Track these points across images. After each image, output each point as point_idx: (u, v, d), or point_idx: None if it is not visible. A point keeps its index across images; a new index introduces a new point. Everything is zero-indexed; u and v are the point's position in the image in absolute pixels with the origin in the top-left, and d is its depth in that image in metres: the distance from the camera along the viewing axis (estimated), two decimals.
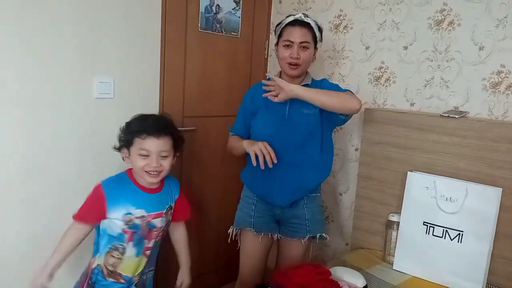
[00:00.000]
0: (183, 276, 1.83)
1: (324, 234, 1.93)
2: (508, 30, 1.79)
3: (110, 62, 1.93)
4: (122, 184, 1.58)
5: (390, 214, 1.97)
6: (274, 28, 1.93)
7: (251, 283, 1.94)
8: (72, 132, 1.83)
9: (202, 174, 2.45)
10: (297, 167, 1.83)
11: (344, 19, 2.31)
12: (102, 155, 1.89)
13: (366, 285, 1.62)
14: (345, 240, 2.39)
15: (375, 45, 2.20)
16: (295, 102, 1.81)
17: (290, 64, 1.80)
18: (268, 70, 2.68)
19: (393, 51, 2.14)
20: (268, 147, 1.74)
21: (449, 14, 1.94)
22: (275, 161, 1.74)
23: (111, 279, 1.56)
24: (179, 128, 2.22)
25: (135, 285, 1.64)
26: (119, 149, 1.60)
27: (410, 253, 1.84)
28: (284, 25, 1.83)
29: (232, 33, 2.43)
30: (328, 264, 1.83)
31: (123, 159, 1.63)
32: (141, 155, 1.51)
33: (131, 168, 1.61)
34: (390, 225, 1.96)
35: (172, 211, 1.69)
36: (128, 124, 1.58)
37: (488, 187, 1.70)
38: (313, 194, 1.93)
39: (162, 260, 2.00)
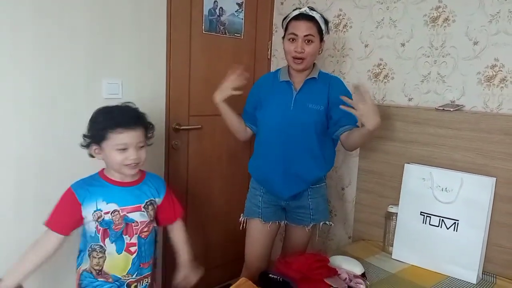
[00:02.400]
0: (185, 272, 1.67)
1: (327, 222, 2.00)
2: (501, 25, 1.85)
3: (118, 64, 2.03)
4: (93, 183, 1.51)
5: (389, 206, 2.03)
6: (281, 22, 1.98)
7: (257, 268, 2.01)
8: (83, 131, 1.92)
9: (208, 171, 2.53)
10: (299, 159, 1.90)
11: (344, 18, 2.38)
12: None
13: (364, 272, 1.69)
14: (348, 233, 2.45)
15: (373, 43, 2.27)
16: (301, 95, 1.88)
17: (295, 58, 1.85)
18: (271, 70, 2.75)
19: (391, 48, 2.20)
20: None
21: (444, 11, 2.00)
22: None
23: (101, 279, 1.50)
24: (185, 127, 2.35)
25: (130, 286, 1.55)
26: (87, 145, 1.51)
27: (408, 242, 1.89)
28: (289, 19, 1.89)
29: (235, 34, 2.51)
30: (328, 254, 1.89)
31: (91, 156, 1.54)
32: (119, 149, 1.44)
33: (102, 169, 1.56)
34: (389, 217, 2.02)
35: (156, 208, 1.60)
36: (95, 119, 1.49)
37: (482, 177, 1.76)
38: (317, 185, 1.99)
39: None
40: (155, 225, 1.62)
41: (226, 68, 2.49)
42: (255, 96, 2.03)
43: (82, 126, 1.74)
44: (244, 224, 2.09)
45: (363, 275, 1.67)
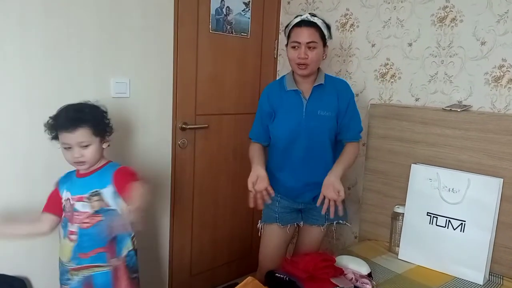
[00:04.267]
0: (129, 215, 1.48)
1: (341, 221, 1.98)
2: (508, 25, 1.84)
3: (126, 63, 2.04)
4: (69, 174, 1.65)
5: (396, 206, 2.03)
6: (283, 29, 1.97)
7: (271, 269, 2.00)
8: None
9: (214, 170, 2.54)
10: (315, 166, 1.89)
11: (351, 18, 2.38)
12: (120, 150, 2.01)
13: (370, 272, 1.69)
14: (354, 233, 2.45)
15: (380, 43, 2.27)
16: (311, 103, 1.87)
17: (298, 64, 1.84)
18: (278, 69, 2.76)
19: (398, 48, 2.20)
20: (264, 191, 1.79)
21: (452, 11, 1.99)
22: (268, 201, 1.82)
23: (61, 266, 1.64)
24: (192, 126, 2.36)
25: (71, 273, 1.60)
26: (52, 139, 1.59)
27: (414, 242, 1.90)
28: (291, 26, 1.87)
29: (242, 33, 2.52)
30: (335, 254, 1.89)
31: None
32: (65, 148, 1.54)
33: None
34: (396, 217, 2.02)
35: (105, 200, 1.58)
36: (48, 121, 1.58)
37: (489, 178, 1.75)
38: None
39: None
40: (101, 219, 1.55)
41: (233, 67, 2.52)
42: (263, 112, 1.98)
43: None
44: (262, 230, 2.07)
45: (369, 275, 1.67)
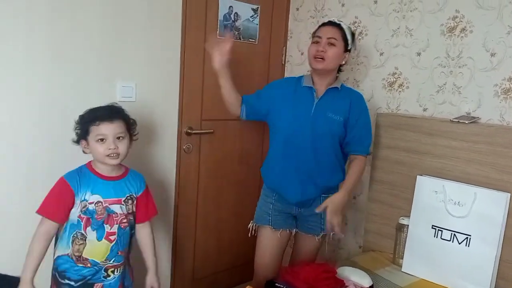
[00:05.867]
0: (151, 280, 1.76)
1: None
2: None
3: (132, 67, 2.05)
4: (82, 174, 1.62)
5: (401, 218, 2.00)
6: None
7: (265, 276, 1.98)
8: None
9: (219, 174, 2.53)
10: (312, 165, 1.90)
11: (359, 26, 2.36)
12: None
13: (372, 285, 1.67)
14: (358, 243, 2.42)
15: (389, 51, 2.25)
16: (322, 102, 1.89)
17: (315, 57, 1.87)
18: (285, 76, 2.75)
19: (406, 57, 2.17)
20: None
21: (461, 21, 1.97)
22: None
23: (80, 265, 1.61)
24: (197, 131, 2.36)
25: (107, 271, 1.65)
26: (77, 141, 1.64)
27: (419, 255, 1.87)
28: (317, 27, 1.96)
29: (250, 39, 2.51)
30: (337, 264, 1.87)
31: (83, 152, 1.66)
32: (99, 140, 1.57)
33: (90, 162, 1.67)
34: (401, 228, 1.99)
35: (134, 203, 1.70)
36: (81, 117, 1.63)
37: (496, 192, 1.72)
38: (330, 194, 1.97)
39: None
40: (132, 218, 1.70)
41: (240, 73, 2.51)
42: (271, 92, 2.03)
43: None
44: (253, 231, 2.08)
45: None
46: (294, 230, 2.04)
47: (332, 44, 1.86)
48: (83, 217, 1.58)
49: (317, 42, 1.88)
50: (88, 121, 1.60)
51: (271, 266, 2.05)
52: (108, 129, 1.58)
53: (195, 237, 2.48)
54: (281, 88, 2.02)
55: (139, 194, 1.72)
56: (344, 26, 1.91)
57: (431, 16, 2.07)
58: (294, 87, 1.98)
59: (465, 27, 1.96)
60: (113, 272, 1.65)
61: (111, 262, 1.64)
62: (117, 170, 1.68)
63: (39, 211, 1.58)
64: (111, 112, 1.61)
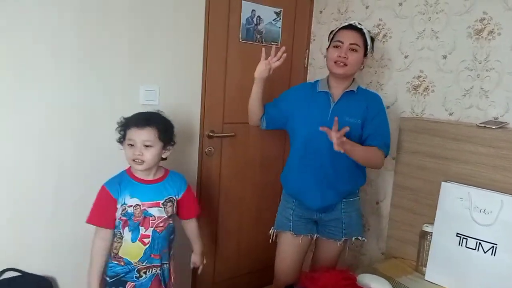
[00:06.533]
0: (195, 258, 1.94)
1: (360, 237, 1.97)
2: None
3: (156, 71, 2.08)
4: (121, 179, 1.68)
5: (424, 225, 1.96)
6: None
7: (286, 282, 1.99)
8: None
9: (240, 178, 2.54)
10: (330, 171, 1.88)
11: (383, 28, 2.33)
12: None
13: None
14: (381, 249, 2.38)
15: (413, 54, 2.20)
16: (339, 106, 1.87)
17: (336, 62, 1.85)
18: (308, 79, 2.73)
19: (432, 60, 2.13)
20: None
21: (489, 23, 1.91)
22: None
23: (115, 261, 1.68)
24: (219, 134, 2.37)
25: (139, 272, 1.69)
26: (120, 141, 1.69)
27: (442, 264, 1.82)
28: (337, 29, 1.92)
29: (272, 43, 2.51)
30: (357, 271, 1.85)
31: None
32: (129, 145, 1.63)
33: (129, 167, 1.71)
34: (424, 236, 1.95)
35: (175, 205, 1.74)
36: (121, 119, 1.69)
37: None
38: (351, 199, 1.97)
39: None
40: (171, 222, 1.74)
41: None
42: (288, 100, 2.01)
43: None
44: (274, 237, 2.08)
45: None
46: (315, 235, 2.02)
47: (354, 50, 1.84)
48: (122, 219, 1.65)
49: (338, 47, 1.86)
50: (123, 125, 1.67)
51: (291, 271, 2.04)
52: (136, 135, 1.62)
53: (216, 240, 2.50)
54: (297, 95, 2.00)
55: (180, 196, 1.77)
56: (365, 31, 1.88)
57: (457, 18, 2.02)
58: (310, 93, 1.96)
59: (492, 29, 1.90)
60: (145, 273, 1.69)
61: (143, 264, 1.67)
62: (155, 173, 1.72)
63: (88, 221, 1.65)
64: (142, 119, 1.64)
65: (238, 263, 2.63)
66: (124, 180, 1.68)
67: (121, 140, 1.68)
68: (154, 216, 1.67)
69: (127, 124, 1.65)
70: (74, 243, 1.91)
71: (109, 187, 1.66)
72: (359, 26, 1.88)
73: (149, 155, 1.63)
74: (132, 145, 1.62)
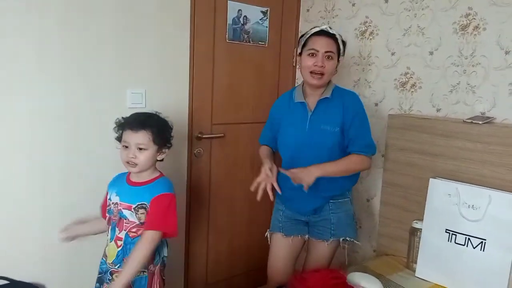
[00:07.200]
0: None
1: (348, 238, 1.95)
2: None
3: (142, 74, 2.07)
4: (119, 177, 1.74)
5: (414, 221, 1.95)
6: (305, 31, 1.93)
7: (277, 282, 1.98)
8: (108, 139, 1.95)
9: (230, 178, 2.53)
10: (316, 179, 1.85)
11: (370, 26, 2.33)
12: None
13: None
14: (373, 246, 2.38)
15: (400, 51, 2.20)
16: (315, 116, 1.86)
17: (312, 72, 1.82)
18: (296, 77, 2.72)
19: (418, 56, 2.13)
20: (268, 179, 1.83)
21: (474, 19, 1.91)
22: (279, 191, 1.83)
23: (103, 258, 1.70)
24: (208, 135, 2.35)
25: (112, 274, 1.64)
26: (119, 140, 1.69)
27: (432, 260, 1.82)
28: (309, 35, 1.86)
29: (259, 42, 2.50)
30: (347, 269, 1.84)
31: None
32: (123, 147, 1.63)
33: None
34: (414, 232, 1.94)
35: (145, 212, 1.62)
36: (117, 120, 1.70)
37: None
38: (340, 200, 1.96)
39: None
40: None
41: (250, 76, 2.50)
42: (273, 120, 2.05)
43: (107, 134, 1.80)
44: (269, 240, 2.08)
45: None
46: (307, 236, 2.02)
47: (330, 58, 1.81)
48: (107, 216, 1.68)
49: (313, 55, 1.81)
50: (120, 125, 1.67)
51: (283, 271, 2.04)
52: (131, 138, 1.62)
53: (207, 241, 2.49)
54: (278, 112, 2.01)
55: (148, 203, 1.63)
56: (338, 36, 1.84)
57: (443, 14, 2.02)
58: (287, 105, 1.96)
59: (478, 24, 1.90)
60: (117, 277, 1.60)
61: (116, 267, 1.64)
62: (143, 176, 1.68)
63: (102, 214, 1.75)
64: (138, 122, 1.63)
65: (231, 264, 2.63)
66: (119, 178, 1.73)
67: (119, 139, 1.68)
68: (128, 220, 1.63)
69: (123, 126, 1.65)
70: (64, 250, 1.89)
71: (110, 182, 1.74)
72: (331, 32, 1.83)
73: (143, 158, 1.62)
74: (126, 147, 1.63)
